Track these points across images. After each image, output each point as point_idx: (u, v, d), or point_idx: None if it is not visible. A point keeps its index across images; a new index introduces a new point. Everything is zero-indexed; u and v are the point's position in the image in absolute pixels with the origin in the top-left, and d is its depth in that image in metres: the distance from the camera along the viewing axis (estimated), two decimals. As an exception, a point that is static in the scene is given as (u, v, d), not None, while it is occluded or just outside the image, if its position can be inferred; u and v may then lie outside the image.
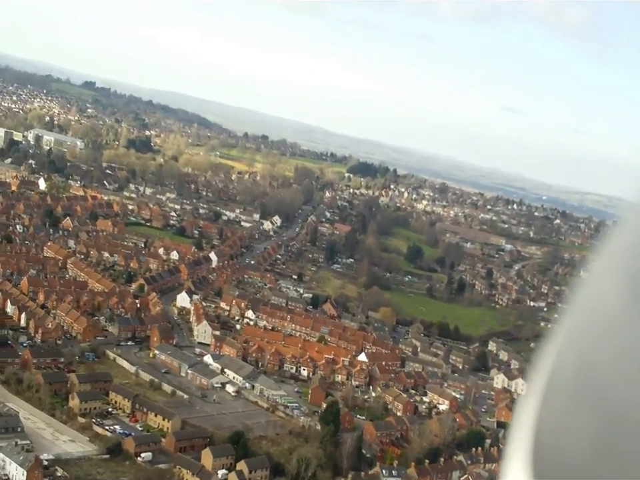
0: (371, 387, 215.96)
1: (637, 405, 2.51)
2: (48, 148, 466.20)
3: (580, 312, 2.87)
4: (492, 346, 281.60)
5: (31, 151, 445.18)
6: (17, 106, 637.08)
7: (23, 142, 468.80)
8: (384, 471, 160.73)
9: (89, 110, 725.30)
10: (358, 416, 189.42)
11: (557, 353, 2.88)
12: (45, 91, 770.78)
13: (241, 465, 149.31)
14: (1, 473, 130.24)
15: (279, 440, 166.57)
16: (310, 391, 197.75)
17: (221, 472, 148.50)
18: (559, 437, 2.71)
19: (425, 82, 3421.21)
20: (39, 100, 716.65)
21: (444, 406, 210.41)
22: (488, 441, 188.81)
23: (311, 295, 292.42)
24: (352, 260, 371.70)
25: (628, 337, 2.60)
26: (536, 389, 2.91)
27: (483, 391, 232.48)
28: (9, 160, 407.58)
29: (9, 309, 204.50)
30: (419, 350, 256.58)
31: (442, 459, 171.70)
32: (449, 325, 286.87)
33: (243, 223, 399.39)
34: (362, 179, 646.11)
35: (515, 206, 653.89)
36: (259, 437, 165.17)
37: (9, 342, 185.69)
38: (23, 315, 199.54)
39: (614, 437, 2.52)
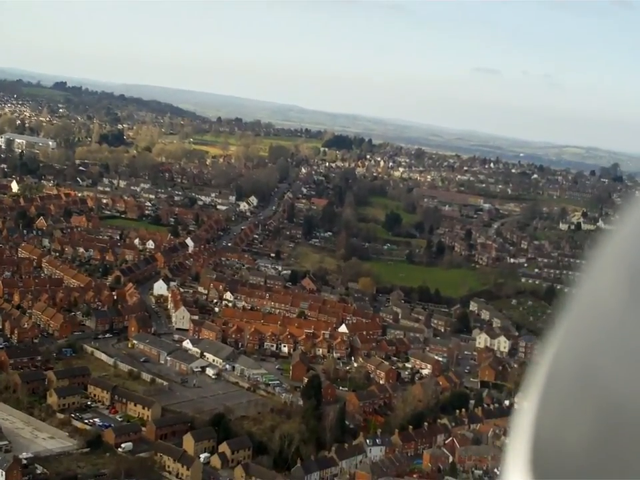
0: (352, 358, 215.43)
1: (637, 405, 2.49)
2: (19, 151, 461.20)
3: (579, 310, 2.85)
4: (473, 306, 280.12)
5: (2, 155, 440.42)
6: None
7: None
8: (368, 441, 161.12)
9: (60, 110, 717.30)
10: (340, 388, 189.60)
11: (556, 352, 2.86)
12: (15, 96, 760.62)
13: (223, 447, 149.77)
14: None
15: (261, 419, 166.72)
16: (291, 367, 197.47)
17: (203, 455, 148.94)
18: (558, 436, 2.69)
19: (398, 52, 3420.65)
20: (9, 105, 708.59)
21: (427, 370, 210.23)
22: (472, 402, 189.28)
23: (289, 272, 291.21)
24: (330, 233, 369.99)
25: (628, 335, 2.60)
26: (535, 388, 2.89)
27: (466, 352, 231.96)
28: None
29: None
30: (399, 317, 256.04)
31: (426, 424, 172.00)
32: (430, 289, 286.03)
33: (218, 207, 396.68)
34: (338, 152, 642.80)
35: (491, 165, 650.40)
36: (240, 417, 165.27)
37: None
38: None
39: (614, 436, 2.51)
